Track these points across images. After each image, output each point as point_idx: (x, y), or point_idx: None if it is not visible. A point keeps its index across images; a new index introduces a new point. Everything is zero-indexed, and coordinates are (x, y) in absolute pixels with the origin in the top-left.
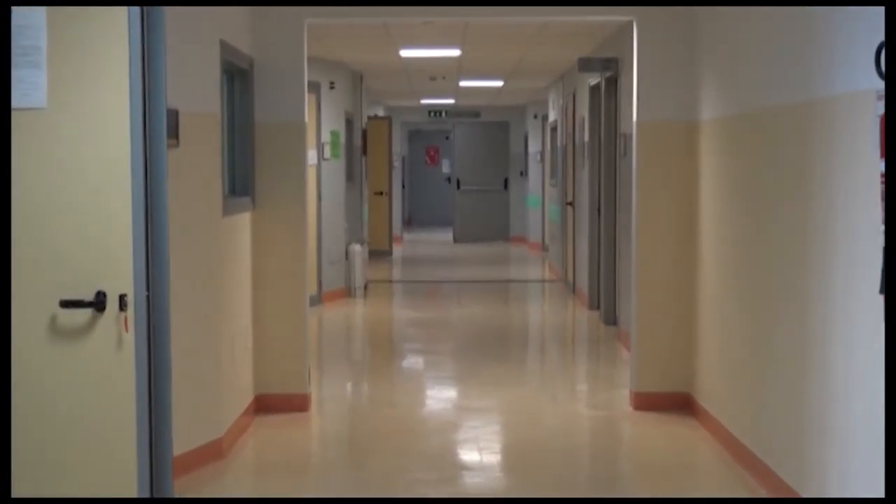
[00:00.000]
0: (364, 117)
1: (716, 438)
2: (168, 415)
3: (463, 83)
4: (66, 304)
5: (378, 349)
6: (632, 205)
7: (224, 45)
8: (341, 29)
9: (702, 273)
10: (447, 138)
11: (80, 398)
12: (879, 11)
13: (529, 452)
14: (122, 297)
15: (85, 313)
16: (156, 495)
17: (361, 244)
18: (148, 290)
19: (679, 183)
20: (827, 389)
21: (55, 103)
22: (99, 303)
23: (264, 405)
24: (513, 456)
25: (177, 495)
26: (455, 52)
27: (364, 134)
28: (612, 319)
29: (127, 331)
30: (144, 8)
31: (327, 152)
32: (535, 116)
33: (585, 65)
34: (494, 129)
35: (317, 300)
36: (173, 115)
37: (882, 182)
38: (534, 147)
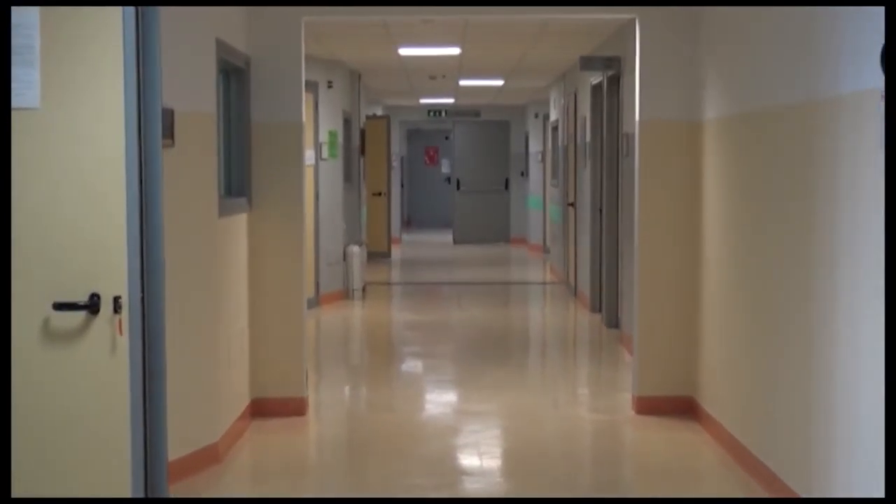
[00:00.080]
0: (362, 117)
1: (719, 443)
2: (163, 419)
3: (463, 82)
4: (59, 306)
5: (376, 352)
6: (634, 206)
7: (220, 44)
8: (339, 27)
9: (705, 275)
10: (447, 138)
11: (73, 402)
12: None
13: (530, 457)
14: (116, 300)
15: (79, 316)
16: None
17: (360, 246)
18: (143, 292)
19: (682, 183)
20: (832, 393)
21: (49, 103)
22: (93, 305)
23: (261, 409)
24: (513, 461)
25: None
26: (455, 51)
27: (362, 134)
28: (614, 322)
29: (121, 333)
30: (139, 8)
31: (325, 152)
32: (536, 116)
33: (587, 63)
34: (495, 129)
35: (314, 302)
36: (169, 115)
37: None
38: (535, 147)
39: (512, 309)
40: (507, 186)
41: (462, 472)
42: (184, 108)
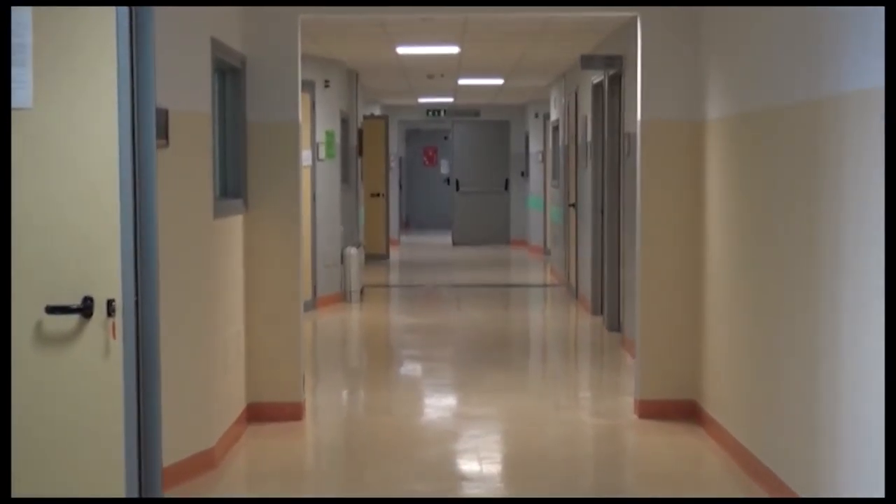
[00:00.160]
0: (360, 117)
1: (723, 447)
2: (157, 424)
3: (462, 81)
4: (52, 309)
5: (375, 356)
6: (636, 206)
7: (215, 43)
8: (336, 26)
9: (708, 277)
10: (446, 138)
11: (66, 408)
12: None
13: (531, 462)
14: (109, 303)
15: (71, 319)
16: None
17: (357, 247)
18: (136, 295)
19: (684, 184)
20: (838, 396)
21: (41, 103)
22: (86, 308)
23: (257, 414)
24: (514, 466)
25: None
26: (454, 50)
27: (360, 134)
28: (615, 325)
29: (115, 337)
30: (133, 8)
31: (322, 153)
32: (537, 115)
33: (588, 62)
34: (494, 129)
35: (311, 305)
36: (163, 115)
37: None
38: (535, 147)
39: (512, 311)
40: (506, 187)
41: (462, 478)
42: (178, 108)
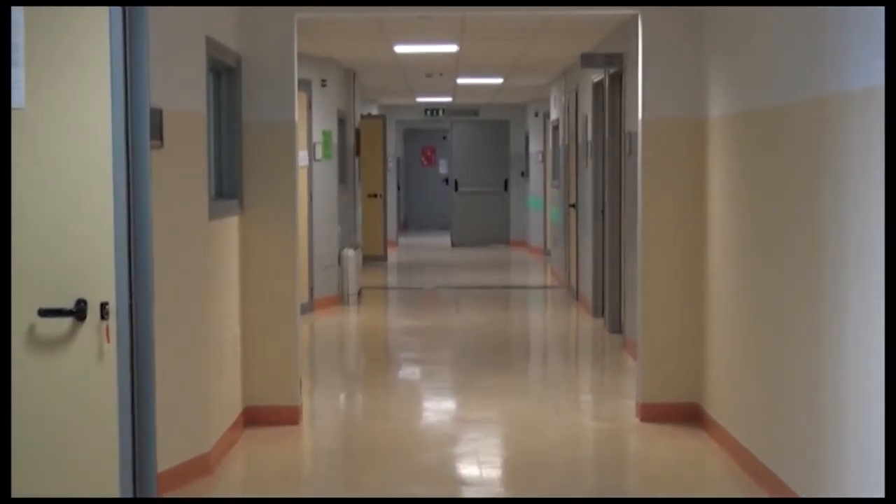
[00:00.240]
0: (357, 116)
1: (726, 450)
2: (152, 429)
3: (461, 80)
4: (44, 312)
5: (373, 359)
6: (637, 206)
7: (210, 42)
8: (333, 24)
9: (711, 278)
10: (444, 138)
11: (59, 411)
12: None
13: (531, 466)
14: (103, 306)
15: (65, 322)
16: None
17: (355, 249)
18: (131, 298)
19: (687, 183)
20: (842, 398)
21: (34, 103)
22: (79, 311)
23: (253, 418)
24: (514, 470)
25: None
26: (452, 48)
27: (357, 134)
28: (617, 327)
29: (109, 341)
30: (126, 8)
31: (319, 153)
32: (537, 115)
33: (588, 61)
34: (494, 128)
35: (308, 308)
36: (157, 115)
37: None
38: (535, 147)
39: (512, 313)
40: (506, 187)
41: (461, 482)
42: (173, 108)
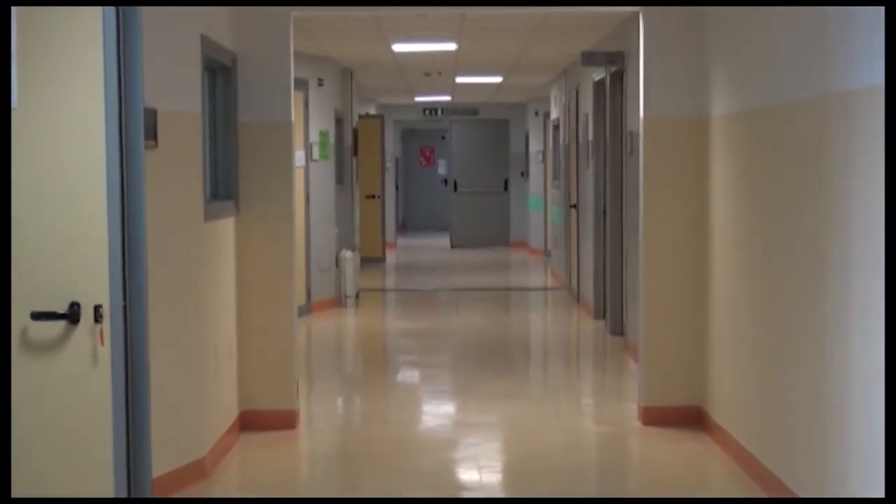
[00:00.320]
0: (355, 116)
1: (729, 454)
2: (147, 433)
3: (460, 79)
4: (37, 315)
5: (371, 362)
6: (639, 206)
7: (205, 41)
8: (330, 22)
9: (714, 279)
10: (443, 138)
11: (52, 416)
12: None
13: (532, 471)
14: (97, 309)
15: (58, 326)
16: None
17: (353, 250)
18: (125, 300)
19: (689, 183)
20: (847, 400)
21: (27, 104)
22: (73, 314)
23: (250, 422)
24: (514, 474)
25: None
26: (451, 47)
27: (355, 133)
28: (618, 329)
29: (103, 344)
30: (120, 8)
31: (316, 153)
32: (537, 114)
33: (589, 59)
34: (493, 128)
35: (305, 310)
36: (151, 115)
37: None
38: (535, 146)
39: (512, 315)
40: (506, 188)
41: (461, 487)
42: (167, 108)
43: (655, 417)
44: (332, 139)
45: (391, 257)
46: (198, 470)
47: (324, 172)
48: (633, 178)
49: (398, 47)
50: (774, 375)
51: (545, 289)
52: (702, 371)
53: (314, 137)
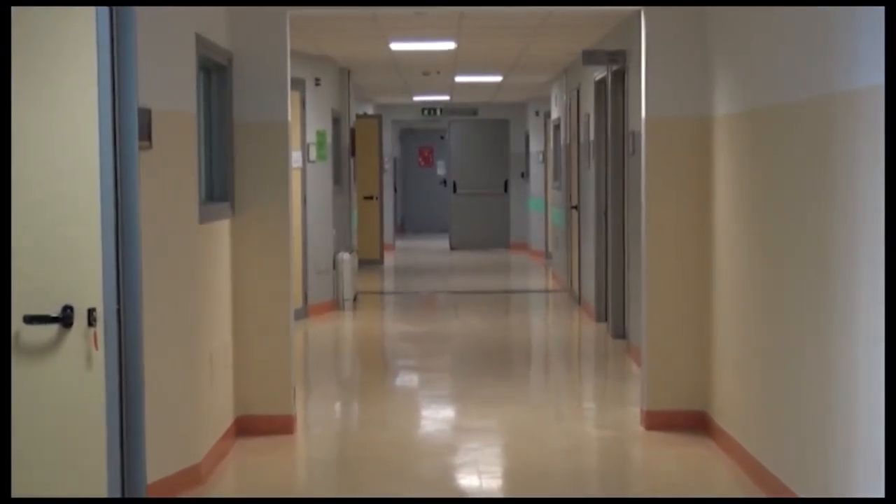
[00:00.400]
0: (352, 116)
1: (734, 459)
2: (141, 439)
3: (459, 78)
4: (29, 319)
5: (369, 366)
6: (641, 208)
7: (200, 40)
8: (327, 21)
9: (717, 281)
10: (442, 138)
11: (45, 421)
12: None
13: (532, 476)
14: (90, 312)
15: (50, 329)
16: None
17: (350, 253)
18: (119, 303)
19: (692, 183)
20: (853, 405)
21: (19, 104)
22: (66, 318)
23: (246, 428)
24: (515, 480)
25: None
26: (450, 45)
27: (352, 134)
28: (621, 332)
29: (96, 348)
30: (114, 8)
31: (313, 154)
32: (537, 114)
33: (590, 58)
34: (493, 128)
35: (302, 313)
36: (146, 115)
37: None
38: (535, 147)
39: (512, 318)
40: (506, 188)
41: (460, 493)
42: (162, 108)
43: (658, 422)
44: (329, 139)
45: (389, 259)
46: (193, 476)
47: (321, 173)
48: (634, 178)
49: (396, 46)
50: (779, 379)
51: (546, 291)
52: (705, 374)
53: (311, 138)
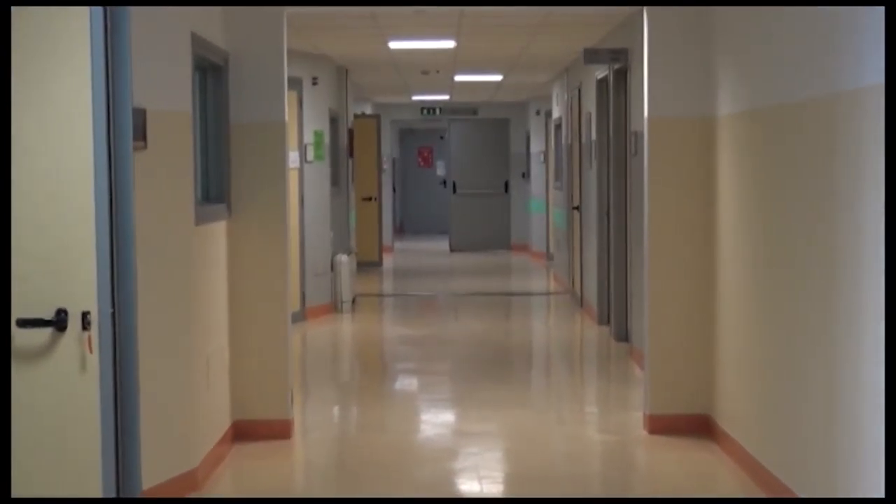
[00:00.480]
0: (350, 116)
1: (738, 464)
2: (136, 444)
3: (458, 77)
4: (23, 323)
5: (367, 369)
6: (644, 208)
7: (196, 39)
8: (324, 20)
9: (721, 283)
10: (442, 138)
11: (39, 426)
12: None
13: (533, 481)
14: (84, 315)
15: (44, 333)
16: None
17: (348, 254)
18: (113, 307)
19: (695, 184)
20: (859, 408)
21: (12, 105)
22: (59, 321)
23: (243, 432)
24: (516, 485)
25: None
26: (450, 44)
27: (350, 134)
28: (623, 335)
29: (91, 352)
30: (108, 8)
31: (310, 154)
32: (538, 113)
33: (592, 56)
34: (493, 128)
35: (300, 316)
36: (140, 115)
37: None
38: (536, 147)
39: (513, 321)
40: (507, 189)
41: (461, 499)
42: (157, 108)
43: (661, 426)
44: (326, 140)
45: (388, 261)
46: (189, 482)
47: (318, 174)
48: (637, 179)
49: (395, 45)
50: (784, 381)
51: (547, 293)
52: (709, 377)
53: (308, 138)
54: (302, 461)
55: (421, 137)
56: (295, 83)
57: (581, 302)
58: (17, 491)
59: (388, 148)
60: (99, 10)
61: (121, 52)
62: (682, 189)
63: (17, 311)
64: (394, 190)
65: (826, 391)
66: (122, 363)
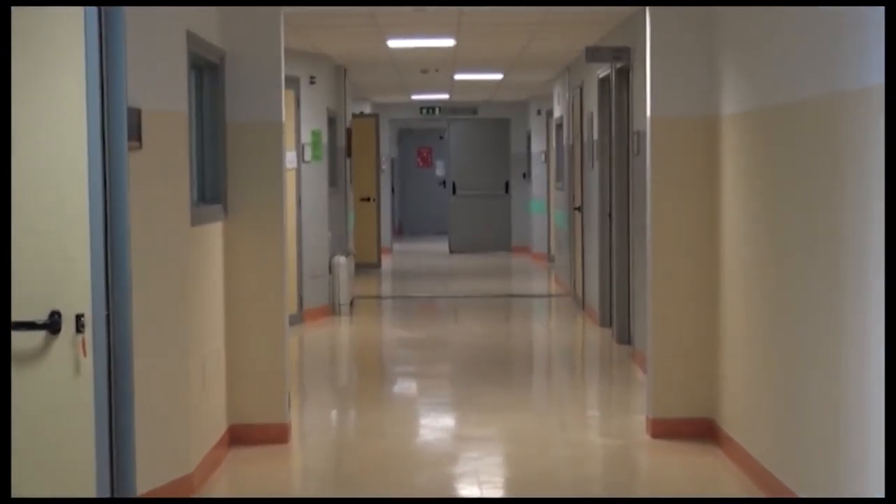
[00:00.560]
0: (348, 115)
1: (742, 468)
2: (131, 449)
3: (458, 76)
4: (16, 325)
5: (366, 373)
6: (646, 209)
7: (191, 37)
8: (322, 18)
9: (724, 284)
10: (441, 138)
11: (32, 430)
12: None
13: (535, 486)
14: (78, 318)
15: (37, 336)
16: None
17: (346, 256)
18: (108, 309)
19: (698, 184)
20: (864, 412)
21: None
22: (53, 324)
23: (239, 436)
24: (517, 490)
25: None
26: (449, 43)
27: (349, 133)
28: (625, 337)
29: (85, 355)
30: (102, 8)
31: (308, 154)
32: (539, 113)
33: (593, 55)
34: (493, 128)
35: (297, 319)
36: (135, 115)
37: None
38: (537, 146)
39: (514, 324)
40: (507, 190)
41: (461, 499)
42: (152, 108)
43: (664, 430)
44: (324, 139)
45: (387, 263)
46: (185, 486)
47: (316, 174)
48: (639, 179)
49: (394, 43)
50: (788, 385)
51: (548, 295)
52: (712, 381)
53: (306, 138)
54: (299, 466)
55: (420, 137)
56: (292, 82)
57: (583, 304)
58: (12, 493)
59: (387, 148)
60: (93, 9)
61: (115, 52)
62: (684, 189)
63: (10, 313)
64: (392, 190)
65: (831, 395)
66: (116, 366)
